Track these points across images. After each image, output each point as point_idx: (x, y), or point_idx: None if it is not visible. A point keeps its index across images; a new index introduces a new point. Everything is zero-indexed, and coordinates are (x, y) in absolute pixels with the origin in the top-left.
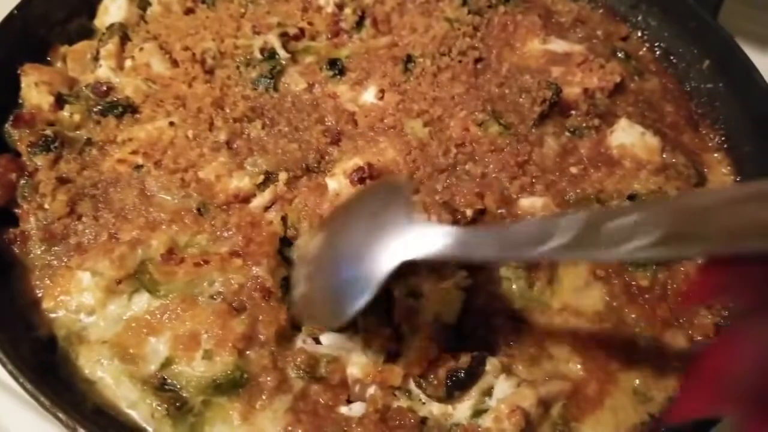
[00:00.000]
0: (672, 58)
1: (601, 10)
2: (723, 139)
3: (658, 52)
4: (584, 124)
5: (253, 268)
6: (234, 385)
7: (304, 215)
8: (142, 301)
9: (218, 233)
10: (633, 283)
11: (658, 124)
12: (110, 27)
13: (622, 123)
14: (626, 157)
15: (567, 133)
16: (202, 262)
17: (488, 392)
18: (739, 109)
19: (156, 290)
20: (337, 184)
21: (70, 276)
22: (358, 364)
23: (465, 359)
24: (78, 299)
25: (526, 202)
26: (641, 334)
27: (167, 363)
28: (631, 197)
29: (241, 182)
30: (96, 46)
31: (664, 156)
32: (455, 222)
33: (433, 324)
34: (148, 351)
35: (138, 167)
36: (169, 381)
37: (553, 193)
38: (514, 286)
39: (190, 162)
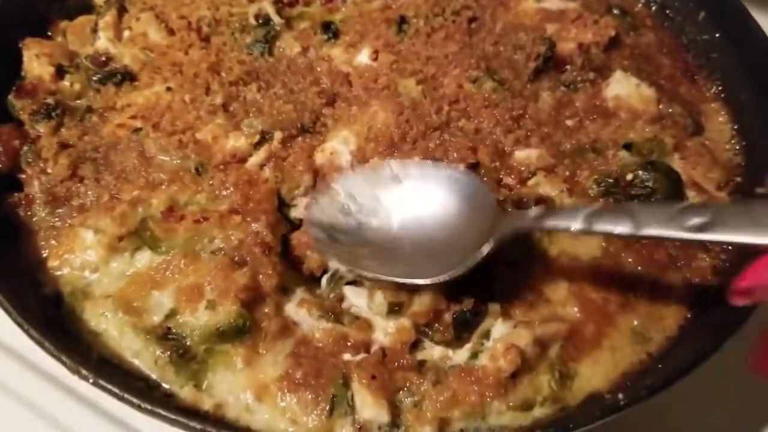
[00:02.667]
0: (668, 12)
1: None
2: (720, 89)
3: (653, 8)
4: (579, 78)
5: (252, 224)
6: (237, 332)
7: (297, 172)
8: (144, 258)
9: (217, 192)
10: None
11: (654, 77)
12: (108, 0)
13: (618, 75)
14: (622, 109)
15: (562, 87)
16: (201, 219)
17: (486, 335)
18: (735, 59)
19: (157, 247)
20: (325, 159)
21: (74, 235)
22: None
23: (468, 301)
24: (82, 257)
25: (521, 154)
26: (639, 278)
27: (171, 314)
28: (627, 146)
29: (237, 142)
30: (95, 19)
31: (660, 107)
32: None
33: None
34: (152, 303)
35: (137, 130)
36: (173, 331)
37: (548, 145)
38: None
39: (187, 124)
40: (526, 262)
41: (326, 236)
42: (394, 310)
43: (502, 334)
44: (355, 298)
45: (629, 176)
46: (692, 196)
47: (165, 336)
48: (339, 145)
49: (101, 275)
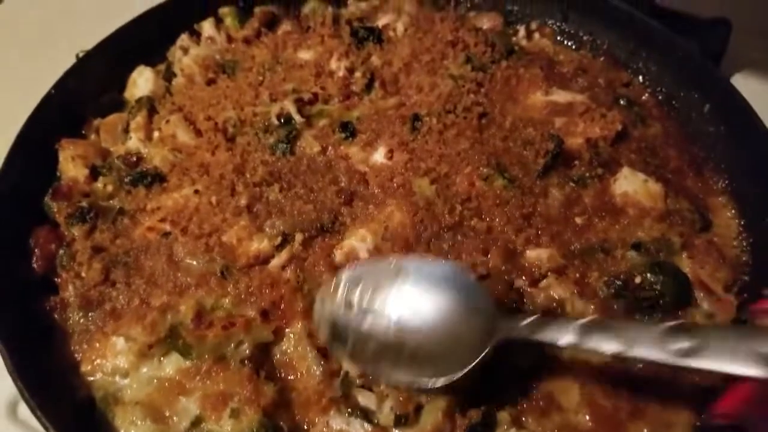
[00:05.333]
0: (674, 102)
1: (602, 58)
2: (727, 182)
3: (660, 97)
4: (587, 174)
5: (286, 329)
6: None
7: (318, 271)
8: (172, 363)
9: (242, 296)
10: None
11: (662, 170)
12: (139, 101)
13: (625, 171)
14: (630, 205)
15: (571, 183)
16: (229, 325)
17: None
18: (741, 152)
19: (188, 353)
20: (344, 257)
21: (106, 341)
22: None
23: (476, 415)
24: (113, 362)
25: (533, 254)
26: (648, 382)
27: (197, 422)
28: (635, 246)
29: (260, 244)
30: (126, 118)
31: (667, 202)
32: None
33: (451, 395)
34: (179, 409)
35: (166, 234)
36: None
37: (558, 244)
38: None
39: (213, 227)
40: (538, 368)
41: (331, 334)
42: (401, 422)
43: None
44: (366, 402)
45: (638, 279)
46: (701, 297)
47: None
48: (357, 244)
49: (131, 380)
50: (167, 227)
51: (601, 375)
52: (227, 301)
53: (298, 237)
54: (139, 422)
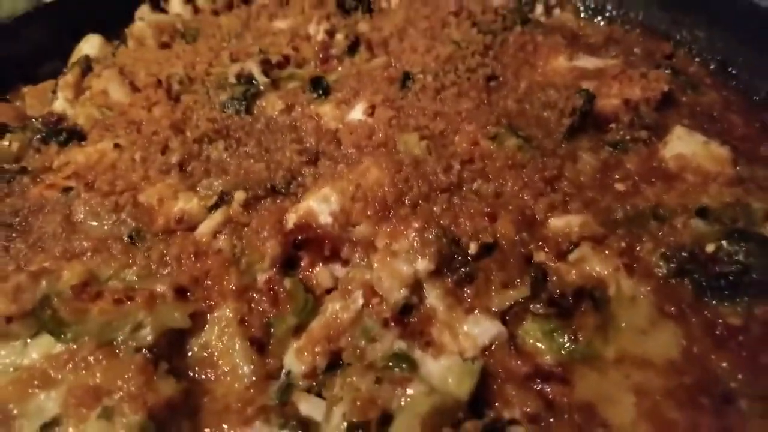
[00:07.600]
0: (731, 69)
1: (637, 30)
2: None
3: (712, 66)
4: (628, 137)
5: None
6: None
7: (261, 239)
8: (40, 346)
9: (153, 266)
10: (719, 321)
11: (725, 136)
12: (76, 61)
13: (678, 131)
14: (688, 170)
15: (607, 148)
16: (125, 299)
17: None
18: None
19: (61, 332)
20: (298, 221)
21: None
22: None
23: (473, 428)
24: None
25: (558, 223)
26: (741, 390)
27: (52, 423)
28: (701, 212)
29: (187, 204)
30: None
31: (738, 168)
32: (451, 262)
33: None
34: (32, 408)
35: (66, 190)
36: None
37: (595, 211)
38: (542, 346)
39: (129, 184)
40: (569, 372)
41: None
42: None
43: None
44: (310, 410)
45: (709, 247)
46: None
47: None
48: (317, 205)
49: None
50: (71, 183)
51: (667, 378)
52: (131, 272)
53: (239, 196)
54: None
